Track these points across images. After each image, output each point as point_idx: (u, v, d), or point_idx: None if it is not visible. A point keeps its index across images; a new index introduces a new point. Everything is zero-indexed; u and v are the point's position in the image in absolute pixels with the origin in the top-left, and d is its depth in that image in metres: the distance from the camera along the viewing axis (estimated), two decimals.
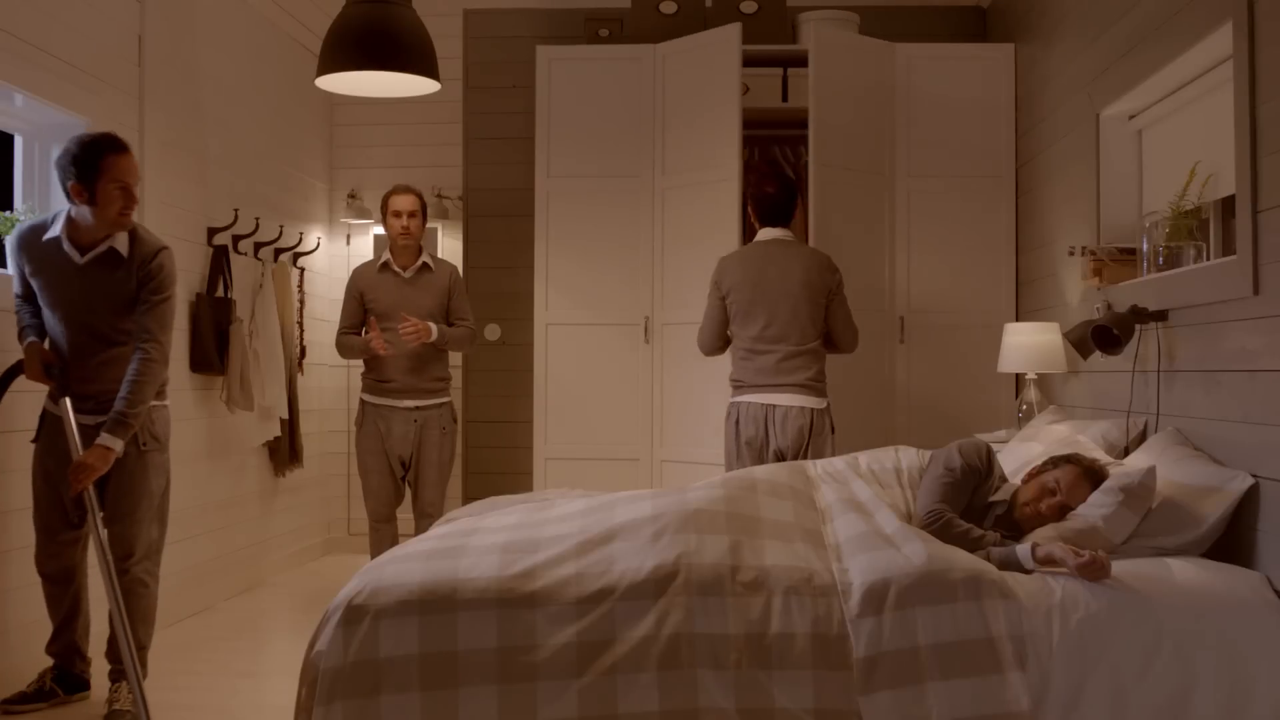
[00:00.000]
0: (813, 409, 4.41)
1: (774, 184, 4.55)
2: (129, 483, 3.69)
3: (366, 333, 5.01)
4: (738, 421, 4.47)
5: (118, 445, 3.54)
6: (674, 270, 5.62)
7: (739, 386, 4.51)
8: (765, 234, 4.56)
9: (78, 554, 3.81)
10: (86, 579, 3.87)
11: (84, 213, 3.57)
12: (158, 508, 3.81)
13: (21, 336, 3.71)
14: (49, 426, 3.72)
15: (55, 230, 3.62)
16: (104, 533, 3.53)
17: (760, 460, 4.42)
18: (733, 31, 5.39)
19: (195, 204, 5.24)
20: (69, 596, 3.80)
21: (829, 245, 5.16)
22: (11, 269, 3.73)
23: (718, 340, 4.62)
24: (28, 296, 3.75)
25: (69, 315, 3.64)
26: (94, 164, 3.52)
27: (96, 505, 3.52)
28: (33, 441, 3.77)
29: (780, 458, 4.40)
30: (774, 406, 4.40)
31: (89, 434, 3.60)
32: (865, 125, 5.58)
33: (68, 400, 3.56)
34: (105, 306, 3.64)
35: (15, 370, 3.63)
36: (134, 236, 3.67)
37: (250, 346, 5.47)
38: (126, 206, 3.59)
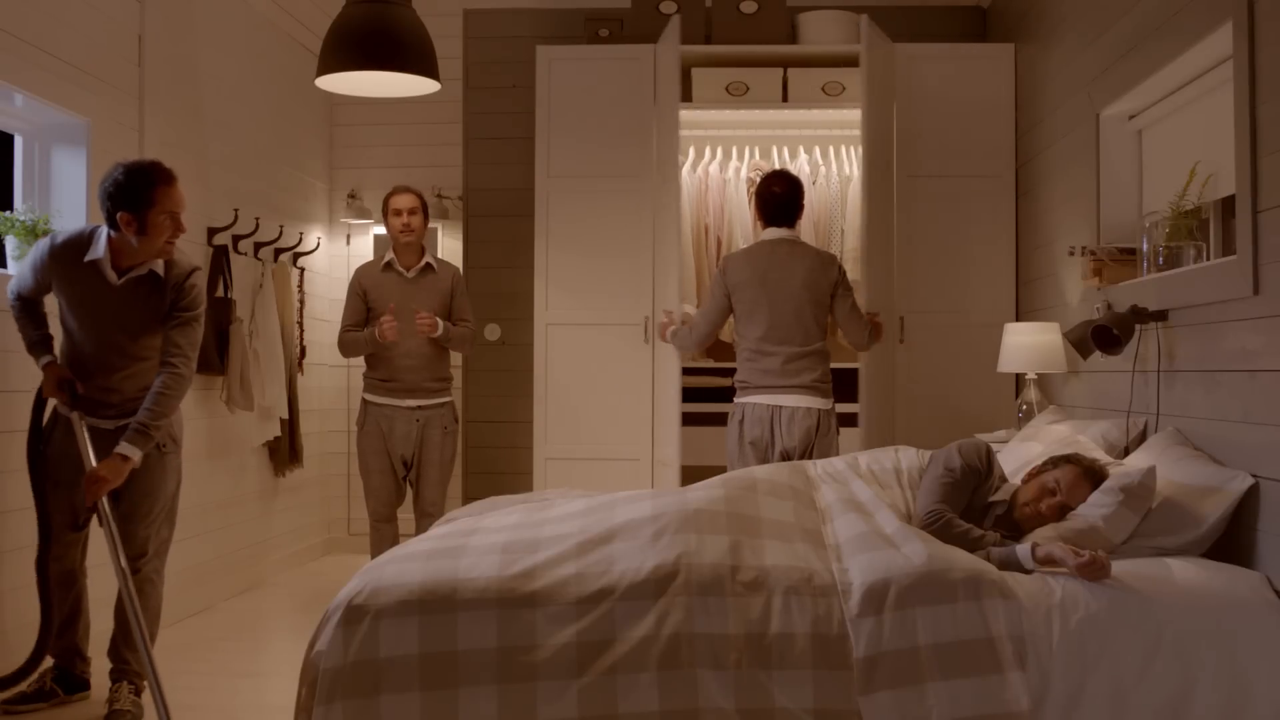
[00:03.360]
0: (819, 410, 4.43)
1: (781, 183, 4.57)
2: (148, 484, 3.69)
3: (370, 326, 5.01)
4: (742, 422, 4.48)
5: (136, 455, 3.54)
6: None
7: (745, 387, 4.52)
8: (770, 234, 4.57)
9: (78, 556, 3.81)
10: (86, 580, 3.87)
11: (127, 238, 3.55)
12: (170, 508, 3.82)
13: (34, 352, 3.70)
14: (61, 428, 3.71)
15: (97, 253, 3.57)
16: (117, 537, 3.52)
17: (764, 461, 4.43)
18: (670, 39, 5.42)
19: (195, 204, 5.22)
20: (70, 599, 3.80)
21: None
22: (29, 272, 3.67)
23: (712, 332, 4.68)
24: (30, 302, 3.71)
25: (98, 332, 3.63)
26: (145, 195, 3.50)
27: (110, 515, 3.51)
28: (42, 445, 3.76)
29: (787, 458, 4.41)
30: (780, 407, 4.42)
31: (109, 438, 3.60)
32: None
33: (79, 414, 3.57)
34: (137, 326, 3.64)
35: (41, 397, 3.69)
36: (167, 259, 3.66)
37: (250, 346, 5.47)
38: (174, 235, 3.59)
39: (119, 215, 3.51)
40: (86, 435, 3.56)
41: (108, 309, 3.61)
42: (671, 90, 5.35)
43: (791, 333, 4.46)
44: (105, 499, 3.50)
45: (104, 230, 3.60)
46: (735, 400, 4.56)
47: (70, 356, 3.69)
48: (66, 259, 3.61)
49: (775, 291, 4.47)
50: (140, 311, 3.63)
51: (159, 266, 3.63)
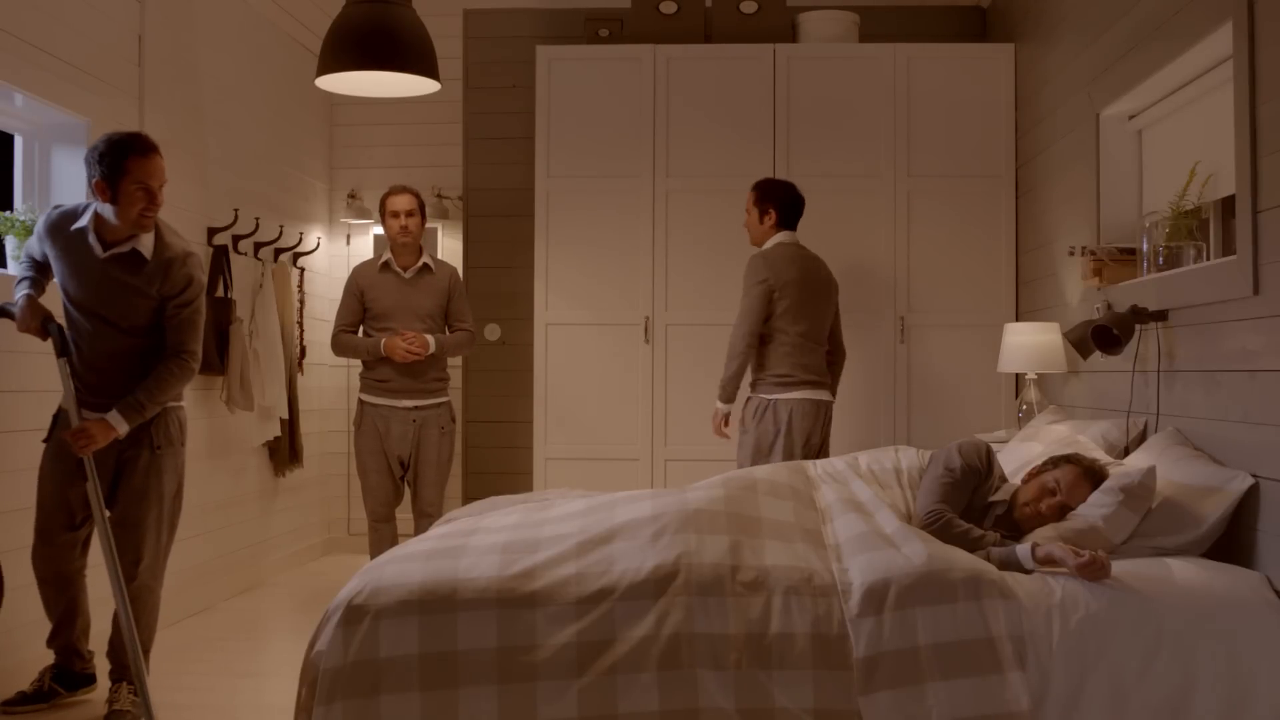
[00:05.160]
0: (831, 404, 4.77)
1: (795, 188, 4.79)
2: (143, 486, 3.68)
3: (367, 334, 5.03)
4: (790, 418, 4.56)
5: (122, 427, 3.55)
6: (680, 272, 5.64)
7: (790, 382, 4.59)
8: (787, 236, 4.73)
9: (76, 557, 3.78)
10: (85, 580, 3.86)
11: (108, 210, 3.57)
12: (169, 511, 3.80)
13: (17, 288, 3.65)
14: (61, 427, 3.70)
15: (83, 221, 3.61)
16: (107, 523, 3.53)
17: (811, 456, 4.60)
18: (765, 50, 5.63)
19: (195, 204, 5.24)
20: (65, 600, 3.78)
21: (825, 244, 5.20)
22: (34, 240, 3.72)
23: (757, 335, 4.65)
24: (37, 262, 3.73)
25: (85, 305, 3.64)
26: (118, 163, 3.51)
27: (100, 498, 3.51)
28: (44, 441, 3.76)
29: (820, 453, 4.64)
30: (824, 403, 4.67)
31: None
32: (853, 126, 5.61)
33: (65, 362, 3.54)
34: (122, 303, 3.63)
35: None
36: (159, 239, 3.66)
37: (250, 346, 5.47)
38: (148, 208, 3.57)
39: (94, 182, 3.54)
40: (73, 387, 3.54)
41: (92, 281, 3.61)
42: None
43: (822, 330, 4.73)
44: (91, 460, 3.50)
45: (94, 204, 3.63)
46: (776, 396, 4.60)
47: (72, 342, 3.69)
48: (59, 226, 3.65)
49: (817, 290, 4.69)
50: (124, 288, 3.61)
51: (145, 246, 3.62)
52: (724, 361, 4.70)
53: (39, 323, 3.58)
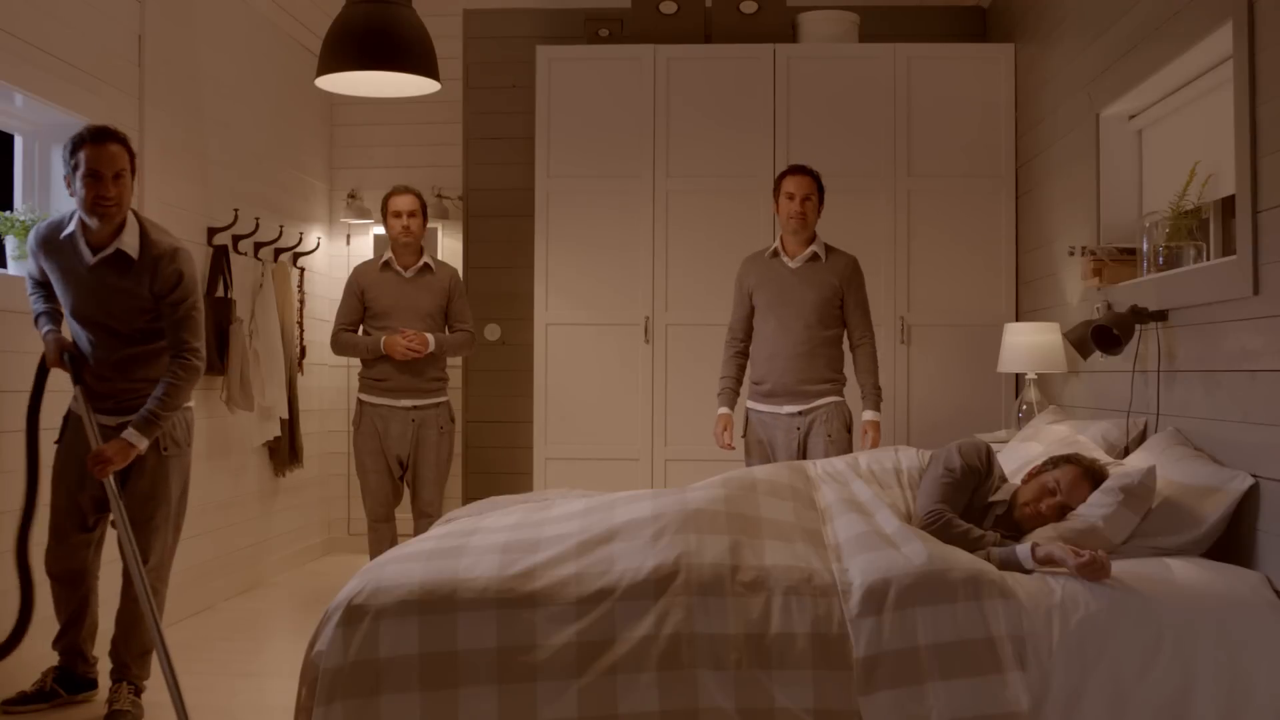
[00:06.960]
0: None
1: None
2: (150, 488, 3.68)
3: (367, 333, 5.03)
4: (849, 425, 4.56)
5: (141, 443, 3.54)
6: (680, 272, 5.64)
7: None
8: None
9: (89, 557, 3.79)
10: (97, 582, 3.86)
11: (79, 206, 3.57)
12: (175, 512, 3.79)
13: (39, 324, 3.72)
14: (72, 428, 3.71)
15: (70, 228, 3.60)
16: (127, 524, 3.53)
17: None
18: (765, 50, 5.65)
19: (195, 204, 5.24)
20: (76, 599, 3.78)
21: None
22: (30, 263, 3.73)
23: None
24: (41, 282, 3.74)
25: (83, 314, 3.63)
26: (74, 156, 3.51)
27: (118, 494, 3.52)
28: (55, 443, 3.76)
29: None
30: None
31: (107, 435, 3.59)
32: (853, 126, 5.61)
33: (80, 389, 3.56)
34: (118, 307, 3.62)
35: (44, 368, 3.69)
36: (145, 237, 3.63)
37: (250, 346, 5.47)
38: (99, 197, 3.49)
39: (65, 178, 3.55)
40: (90, 412, 3.55)
41: (85, 289, 3.61)
42: None
43: None
44: (114, 482, 3.50)
45: (78, 211, 3.61)
46: (841, 400, 4.53)
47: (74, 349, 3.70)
48: (47, 240, 3.64)
49: None
50: (117, 291, 3.60)
51: (130, 246, 3.59)
52: (870, 370, 4.48)
53: (58, 355, 3.62)
